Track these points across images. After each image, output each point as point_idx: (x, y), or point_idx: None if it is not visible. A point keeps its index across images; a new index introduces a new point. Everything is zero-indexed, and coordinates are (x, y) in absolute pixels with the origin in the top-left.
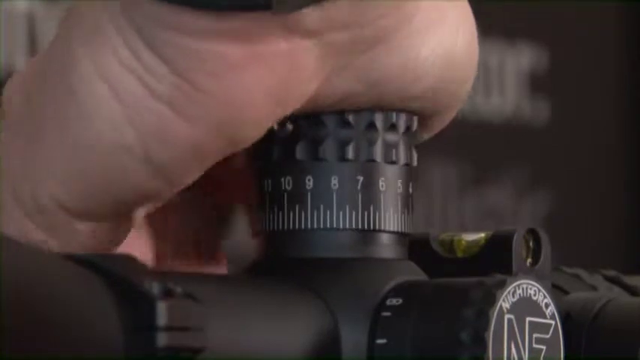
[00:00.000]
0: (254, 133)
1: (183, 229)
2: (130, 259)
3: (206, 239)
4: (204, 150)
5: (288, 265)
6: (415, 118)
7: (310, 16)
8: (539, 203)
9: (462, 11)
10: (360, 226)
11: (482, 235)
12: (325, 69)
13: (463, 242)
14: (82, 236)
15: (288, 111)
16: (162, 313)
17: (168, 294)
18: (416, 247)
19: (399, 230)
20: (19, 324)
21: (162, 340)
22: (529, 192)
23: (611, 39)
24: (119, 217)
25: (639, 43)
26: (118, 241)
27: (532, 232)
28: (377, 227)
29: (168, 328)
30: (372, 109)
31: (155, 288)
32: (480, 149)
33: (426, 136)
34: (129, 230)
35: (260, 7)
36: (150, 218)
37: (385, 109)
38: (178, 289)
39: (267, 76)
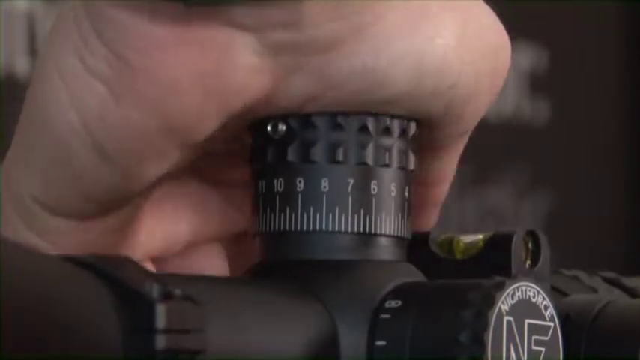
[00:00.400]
0: (194, 123)
1: (234, 215)
2: (129, 262)
3: None
4: (145, 135)
5: (286, 267)
6: (411, 124)
7: (241, 11)
8: (539, 203)
9: (455, 15)
10: (349, 229)
11: (481, 236)
12: (272, 67)
13: (461, 243)
14: (67, 237)
15: (231, 104)
16: (161, 315)
17: (167, 296)
18: (415, 248)
19: (392, 234)
20: (18, 325)
21: (161, 342)
22: (529, 192)
23: (611, 39)
24: (96, 217)
25: (639, 43)
26: (112, 244)
27: (531, 234)
28: (368, 230)
29: (168, 331)
30: (353, 112)
31: (154, 290)
32: (479, 149)
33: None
34: (123, 234)
35: None
36: (195, 195)
37: (359, 112)
38: (177, 292)
39: (196, 61)
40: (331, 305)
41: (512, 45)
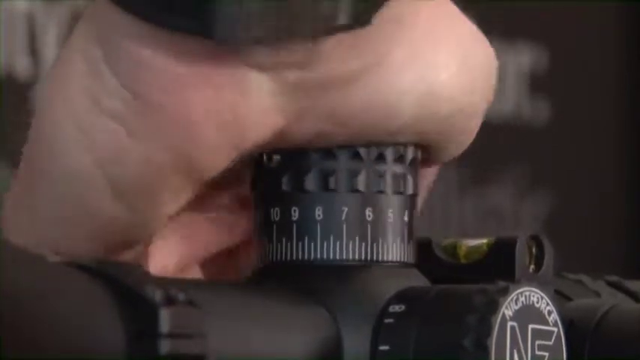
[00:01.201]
0: (210, 161)
1: (219, 237)
2: (133, 267)
3: (241, 250)
4: (161, 173)
5: (289, 272)
6: (409, 148)
7: (260, 51)
8: (539, 203)
9: (457, 45)
10: (345, 257)
11: (485, 241)
12: (286, 107)
13: (465, 248)
14: None
15: (245, 142)
16: (164, 320)
17: (170, 301)
18: (419, 252)
19: (392, 260)
20: (20, 329)
21: (164, 347)
22: (529, 192)
23: (611, 39)
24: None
25: (639, 43)
26: None
27: (535, 239)
28: (365, 257)
29: (171, 335)
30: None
31: (158, 295)
32: (479, 149)
33: (438, 162)
34: None
35: (204, 34)
36: (182, 222)
37: (369, 144)
38: (181, 297)
39: (214, 100)
40: (334, 309)
41: (512, 45)
